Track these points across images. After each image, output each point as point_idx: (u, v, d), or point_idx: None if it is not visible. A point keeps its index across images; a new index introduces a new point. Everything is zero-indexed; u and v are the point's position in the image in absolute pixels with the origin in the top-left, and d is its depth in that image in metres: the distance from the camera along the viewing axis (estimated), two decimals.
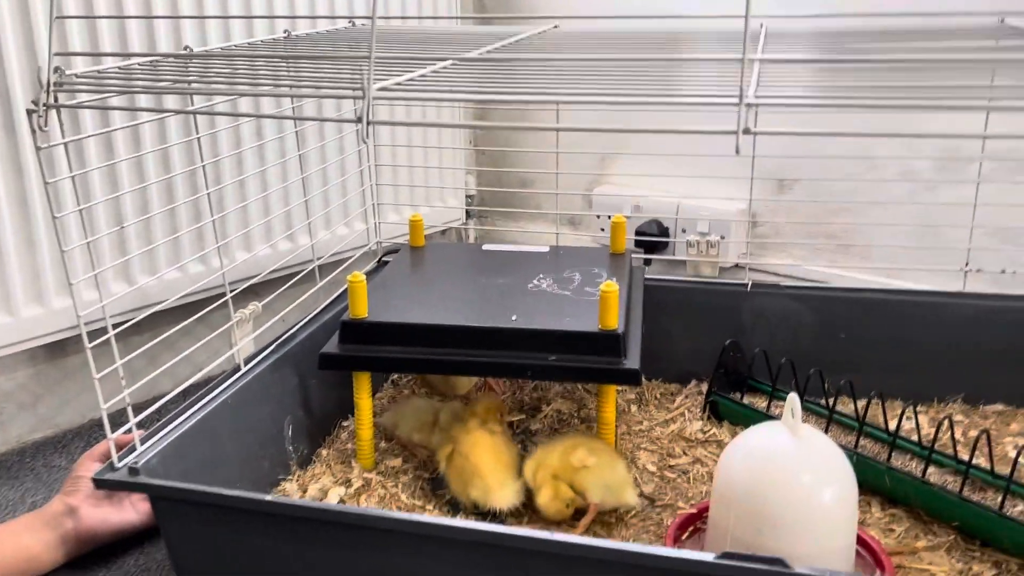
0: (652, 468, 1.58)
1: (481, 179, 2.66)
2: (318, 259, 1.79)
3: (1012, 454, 1.55)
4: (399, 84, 1.07)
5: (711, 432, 1.68)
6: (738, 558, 0.97)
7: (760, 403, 1.68)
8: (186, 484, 1.17)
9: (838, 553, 1.21)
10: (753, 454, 1.23)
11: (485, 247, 1.83)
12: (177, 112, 1.77)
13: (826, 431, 1.54)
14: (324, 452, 1.62)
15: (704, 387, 1.83)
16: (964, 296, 1.72)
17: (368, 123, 0.93)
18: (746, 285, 1.82)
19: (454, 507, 1.46)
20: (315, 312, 1.73)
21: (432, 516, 1.40)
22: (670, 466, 1.59)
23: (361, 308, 1.47)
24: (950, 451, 1.46)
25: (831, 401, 1.57)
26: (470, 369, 1.45)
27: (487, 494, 1.40)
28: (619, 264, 1.72)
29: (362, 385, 1.51)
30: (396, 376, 1.94)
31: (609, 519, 1.44)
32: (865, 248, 2.08)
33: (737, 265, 2.24)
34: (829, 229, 2.12)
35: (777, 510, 1.18)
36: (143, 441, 1.24)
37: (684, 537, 1.36)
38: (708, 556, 0.99)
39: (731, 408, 1.68)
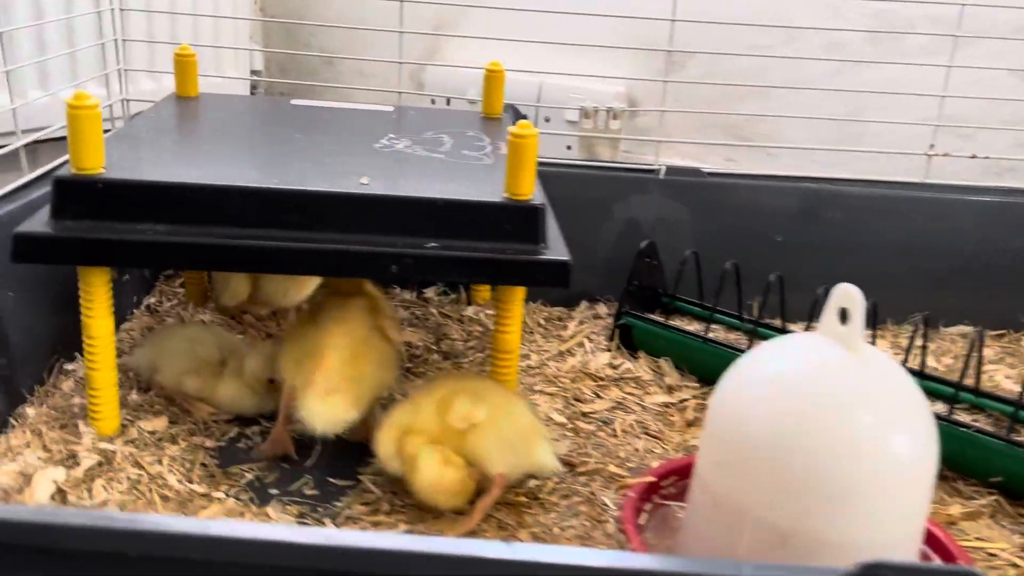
0: (560, 418, 1.07)
1: (271, 53, 2.02)
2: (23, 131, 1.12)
3: (1007, 385, 1.19)
4: None
5: (624, 367, 1.20)
6: (895, 572, 0.49)
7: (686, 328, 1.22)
8: None
9: (910, 539, 0.76)
10: (786, 385, 0.75)
11: (295, 102, 1.23)
12: None
13: None
14: (31, 411, 0.98)
15: (599, 309, 1.35)
16: (929, 188, 1.35)
17: None
18: (657, 171, 1.35)
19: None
20: (10, 187, 1.06)
21: (216, 519, 0.82)
22: (583, 414, 1.09)
23: (92, 156, 0.84)
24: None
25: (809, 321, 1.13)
26: (290, 263, 0.86)
27: (304, 391, 0.90)
28: (500, 131, 1.19)
29: (97, 292, 0.89)
30: (155, 296, 1.30)
31: (516, 497, 0.92)
32: (777, 138, 1.67)
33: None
34: (730, 118, 1.70)
35: (834, 475, 0.71)
36: None
37: (641, 520, 0.87)
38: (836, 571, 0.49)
39: (654, 333, 1.21)
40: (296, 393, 0.91)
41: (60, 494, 0.84)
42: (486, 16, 1.72)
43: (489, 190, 0.91)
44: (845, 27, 1.57)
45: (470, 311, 1.32)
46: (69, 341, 1.09)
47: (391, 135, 1.09)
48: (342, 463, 0.97)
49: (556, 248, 0.91)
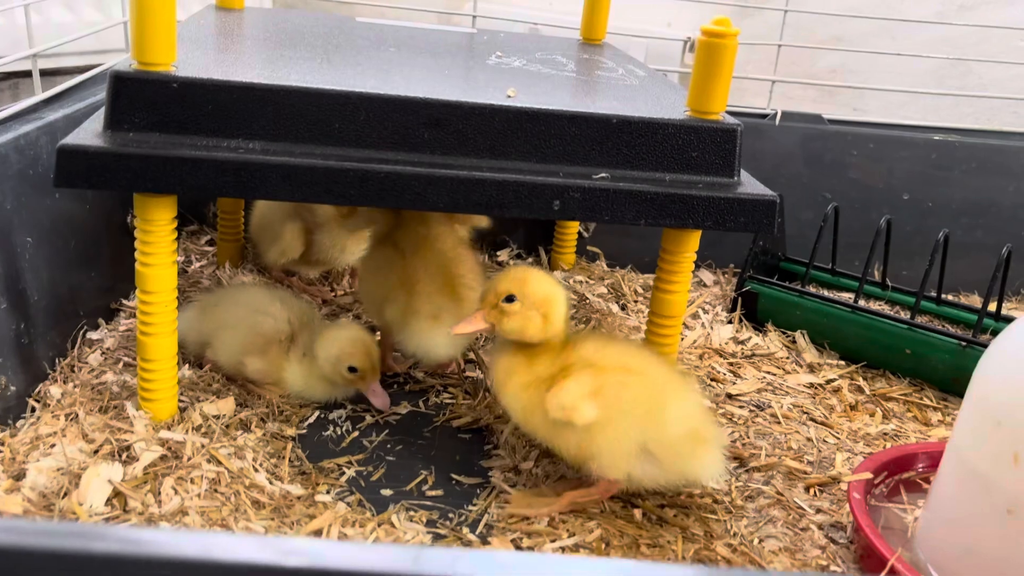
0: (704, 401, 0.89)
1: None
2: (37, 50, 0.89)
3: None
4: None
5: (752, 341, 1.02)
6: None
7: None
8: None
9: None
10: None
11: (361, 19, 1.02)
12: None
13: None
14: (56, 390, 0.76)
15: (703, 275, 1.17)
16: None
17: None
18: (772, 116, 1.17)
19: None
20: (21, 105, 0.83)
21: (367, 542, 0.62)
22: (729, 396, 0.91)
23: (163, 46, 0.63)
24: None
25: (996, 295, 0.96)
26: (426, 194, 0.66)
27: (406, 321, 0.80)
28: (618, 56, 0.99)
29: (160, 231, 0.67)
30: (179, 255, 1.08)
31: (692, 499, 0.73)
32: (871, 88, 1.50)
33: None
34: (811, 69, 1.53)
35: None
36: None
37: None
38: None
39: (787, 302, 1.03)
40: (394, 328, 0.82)
41: (119, 498, 0.63)
42: None
43: (660, 109, 0.72)
44: None
45: (556, 276, 1.12)
46: (92, 303, 0.87)
47: (498, 53, 0.89)
48: (460, 453, 0.78)
49: (751, 182, 0.72)
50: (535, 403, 0.68)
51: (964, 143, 1.17)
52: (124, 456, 0.67)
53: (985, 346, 0.89)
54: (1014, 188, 1.17)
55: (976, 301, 1.17)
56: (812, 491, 0.77)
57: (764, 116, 1.17)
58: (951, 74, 1.45)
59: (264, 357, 0.80)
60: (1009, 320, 0.99)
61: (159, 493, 0.63)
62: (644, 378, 0.69)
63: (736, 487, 0.75)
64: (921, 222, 1.17)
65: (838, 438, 0.85)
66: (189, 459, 0.67)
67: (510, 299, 0.67)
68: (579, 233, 1.16)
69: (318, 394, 0.82)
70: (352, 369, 0.78)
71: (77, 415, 0.71)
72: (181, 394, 0.77)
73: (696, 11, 1.54)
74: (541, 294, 0.67)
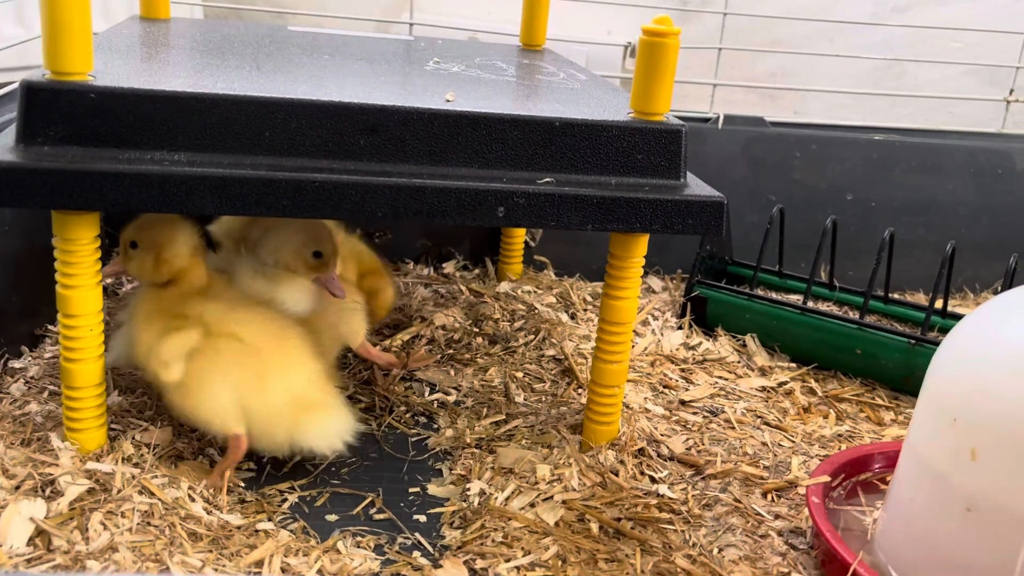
0: (658, 408, 0.87)
1: None
2: None
3: None
4: None
5: (703, 346, 1.01)
6: None
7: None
8: None
9: None
10: None
11: (294, 28, 0.99)
12: None
13: None
14: None
15: (651, 281, 1.16)
16: (1011, 139, 1.21)
17: None
18: (714, 120, 1.16)
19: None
20: None
21: None
22: (683, 403, 0.89)
23: (78, 54, 0.59)
24: None
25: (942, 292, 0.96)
26: (363, 203, 0.63)
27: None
28: (559, 62, 0.98)
29: (81, 251, 0.63)
30: (117, 280, 1.03)
31: (649, 512, 0.71)
32: (813, 89, 1.52)
33: None
34: (752, 72, 1.53)
35: None
36: None
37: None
38: None
39: (736, 306, 1.02)
40: None
41: (42, 537, 0.59)
42: None
43: (603, 111, 0.70)
44: None
45: (504, 287, 1.10)
46: (14, 329, 0.83)
47: (436, 59, 0.87)
48: (408, 473, 0.75)
49: (697, 183, 0.70)
50: (152, 342, 0.70)
51: (904, 143, 1.18)
52: (48, 491, 0.63)
53: (934, 344, 0.90)
54: (952, 186, 1.18)
55: (921, 298, 1.18)
56: (770, 496, 0.75)
57: (706, 120, 1.17)
58: (887, 75, 1.46)
59: None
60: (956, 317, 1.00)
61: (86, 529, 0.59)
62: (248, 348, 0.70)
63: (693, 496, 0.74)
64: (865, 221, 1.17)
65: (793, 441, 0.84)
66: (119, 491, 0.63)
67: (134, 245, 0.73)
68: (525, 242, 1.14)
69: None
70: (317, 254, 0.77)
71: None
72: (112, 422, 0.73)
73: (635, 17, 1.54)
74: (151, 239, 0.72)
